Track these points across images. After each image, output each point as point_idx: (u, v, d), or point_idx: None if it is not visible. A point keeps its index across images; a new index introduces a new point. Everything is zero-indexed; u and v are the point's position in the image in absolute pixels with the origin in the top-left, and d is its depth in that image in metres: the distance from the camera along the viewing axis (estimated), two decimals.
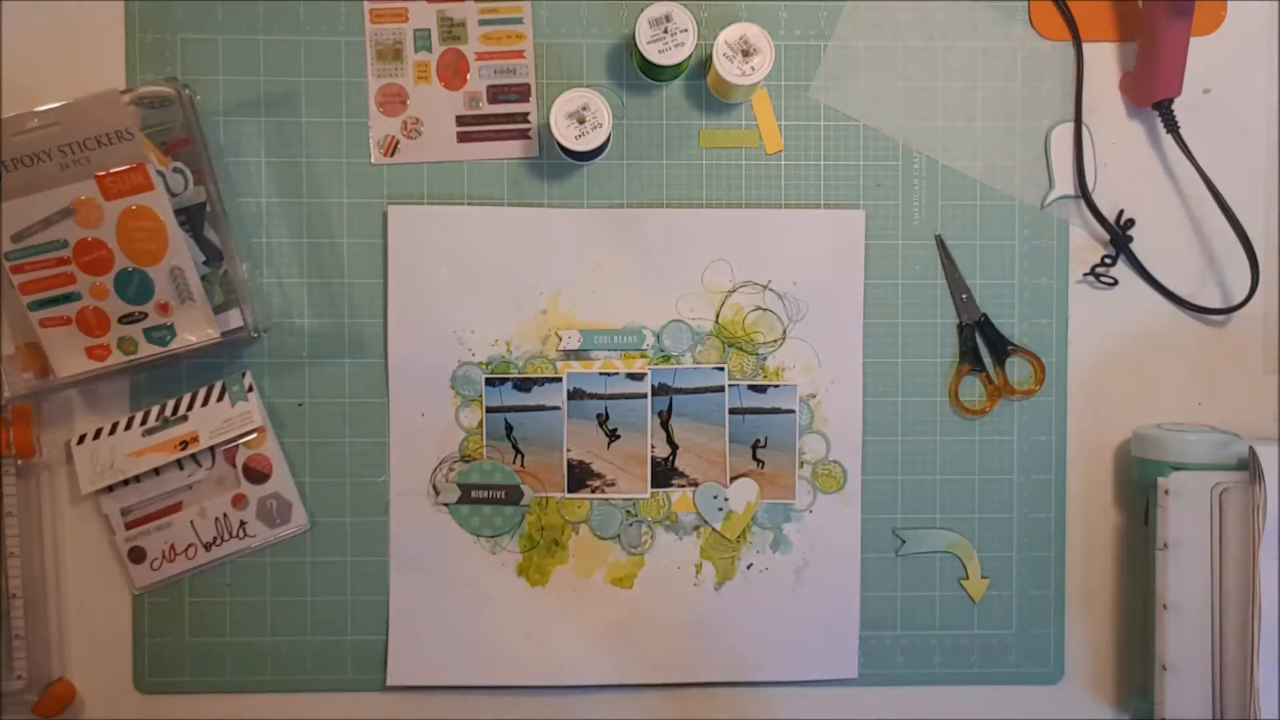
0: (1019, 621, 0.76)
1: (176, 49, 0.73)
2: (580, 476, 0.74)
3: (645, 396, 0.74)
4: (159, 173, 0.67)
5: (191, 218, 0.70)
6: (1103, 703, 0.77)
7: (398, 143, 0.74)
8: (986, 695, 0.76)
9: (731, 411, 0.75)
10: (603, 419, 0.74)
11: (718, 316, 0.75)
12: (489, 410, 0.74)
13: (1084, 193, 0.75)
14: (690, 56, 0.70)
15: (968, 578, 0.76)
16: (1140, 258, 0.76)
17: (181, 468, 0.73)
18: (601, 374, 0.74)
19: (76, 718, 0.74)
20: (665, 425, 0.74)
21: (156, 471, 0.72)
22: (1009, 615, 0.76)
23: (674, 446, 0.75)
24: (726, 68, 0.70)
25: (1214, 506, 0.69)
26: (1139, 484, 0.73)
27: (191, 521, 0.73)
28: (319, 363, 0.74)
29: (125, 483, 0.72)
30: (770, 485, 0.75)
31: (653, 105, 0.75)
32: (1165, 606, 0.70)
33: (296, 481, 0.74)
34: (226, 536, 0.73)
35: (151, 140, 0.68)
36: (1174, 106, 0.73)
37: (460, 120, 0.74)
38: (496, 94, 0.74)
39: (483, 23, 0.74)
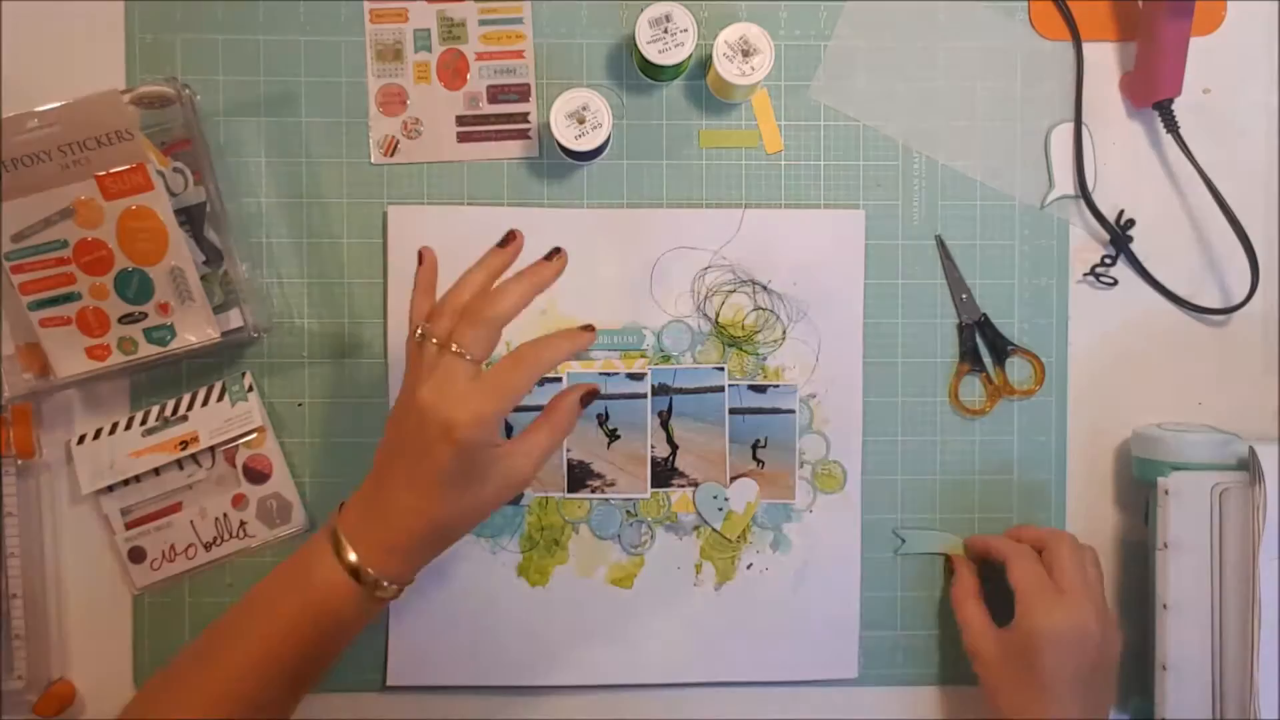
0: None
1: (176, 49, 0.73)
2: (580, 476, 0.74)
3: (645, 396, 0.74)
4: (159, 173, 0.67)
5: (191, 218, 0.70)
6: None
7: (398, 143, 0.74)
8: None
9: (731, 411, 0.75)
10: (602, 419, 0.74)
11: (718, 316, 0.75)
12: None
13: (1084, 193, 0.75)
14: (690, 56, 0.70)
15: None
16: (1140, 258, 0.76)
17: (181, 468, 0.73)
18: (601, 374, 0.74)
19: (76, 718, 0.74)
20: (665, 425, 0.74)
21: (156, 471, 0.72)
22: (1009, 615, 0.76)
23: (674, 446, 0.74)
24: (726, 68, 0.70)
25: (1214, 506, 0.69)
26: (1139, 484, 0.73)
27: (191, 521, 0.73)
28: (319, 363, 0.74)
29: (125, 483, 0.72)
30: (770, 485, 0.75)
31: (653, 105, 0.75)
32: (1165, 606, 0.70)
33: (296, 481, 0.74)
34: (226, 536, 0.73)
35: (151, 140, 0.68)
36: (1174, 106, 0.73)
37: (460, 120, 0.74)
38: (496, 94, 0.74)
39: (483, 23, 0.74)
